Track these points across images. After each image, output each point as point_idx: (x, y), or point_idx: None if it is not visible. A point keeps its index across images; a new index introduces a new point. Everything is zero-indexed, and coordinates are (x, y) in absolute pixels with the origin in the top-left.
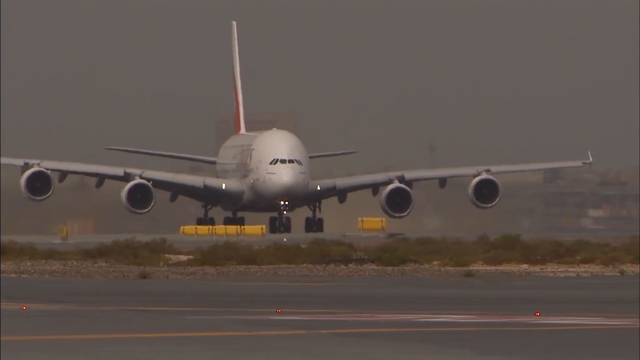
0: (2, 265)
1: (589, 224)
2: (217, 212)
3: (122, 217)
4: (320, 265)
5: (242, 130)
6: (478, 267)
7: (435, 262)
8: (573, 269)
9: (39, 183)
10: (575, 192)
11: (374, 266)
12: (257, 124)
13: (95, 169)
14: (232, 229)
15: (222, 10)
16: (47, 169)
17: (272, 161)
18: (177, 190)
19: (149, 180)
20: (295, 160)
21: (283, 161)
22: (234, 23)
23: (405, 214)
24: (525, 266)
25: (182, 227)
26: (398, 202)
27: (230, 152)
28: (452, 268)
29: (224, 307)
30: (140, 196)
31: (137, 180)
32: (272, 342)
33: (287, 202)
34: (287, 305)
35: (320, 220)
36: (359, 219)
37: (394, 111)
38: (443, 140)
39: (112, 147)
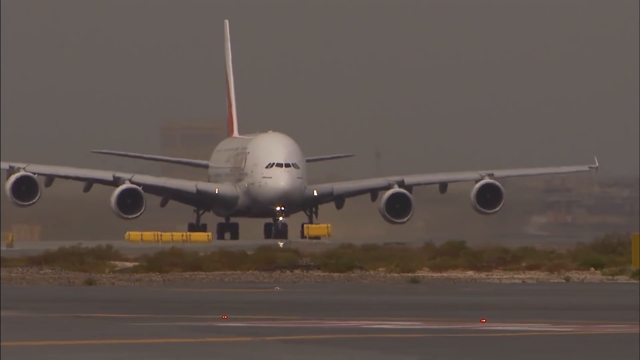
0: None
1: (533, 230)
2: (209, 218)
3: (70, 222)
4: (266, 272)
5: (236, 133)
6: (424, 273)
7: (380, 269)
8: (519, 276)
9: (25, 187)
10: (520, 199)
11: (319, 272)
12: (195, 131)
13: (83, 173)
14: (178, 235)
15: (214, 10)
16: (34, 173)
17: (268, 165)
18: (168, 195)
19: (139, 184)
20: (292, 164)
21: (279, 165)
22: (227, 22)
23: (405, 220)
24: (470, 273)
25: (127, 233)
26: (398, 207)
27: (224, 155)
28: (398, 274)
29: (170, 314)
30: (130, 201)
31: (127, 185)
32: (218, 348)
33: (283, 208)
34: (232, 311)
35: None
36: (305, 225)
37: (393, 115)
38: (444, 145)
39: (99, 151)
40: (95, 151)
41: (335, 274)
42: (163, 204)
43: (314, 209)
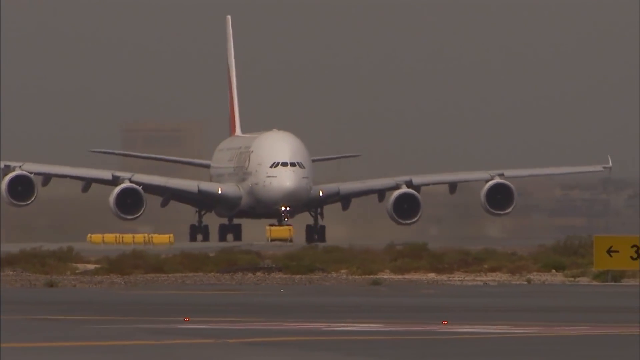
0: None
1: (495, 232)
2: (212, 220)
3: (32, 224)
4: (227, 274)
5: (238, 131)
6: (385, 275)
7: (342, 271)
8: (480, 278)
9: (21, 187)
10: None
11: (281, 274)
12: (163, 133)
13: (81, 172)
14: (140, 237)
15: (215, 6)
16: (30, 172)
17: (273, 164)
18: (169, 195)
19: (139, 184)
20: (297, 163)
21: (284, 164)
22: (229, 18)
23: (413, 220)
24: (432, 275)
25: (89, 235)
26: (406, 208)
27: (226, 154)
28: (360, 276)
29: (132, 316)
30: (130, 201)
31: (127, 184)
32: (180, 351)
33: (288, 208)
34: (194, 313)
35: (323, 228)
36: (267, 227)
37: (400, 114)
38: (452, 144)
39: (98, 150)
40: (93, 150)
41: (297, 276)
42: (164, 204)
43: (319, 210)
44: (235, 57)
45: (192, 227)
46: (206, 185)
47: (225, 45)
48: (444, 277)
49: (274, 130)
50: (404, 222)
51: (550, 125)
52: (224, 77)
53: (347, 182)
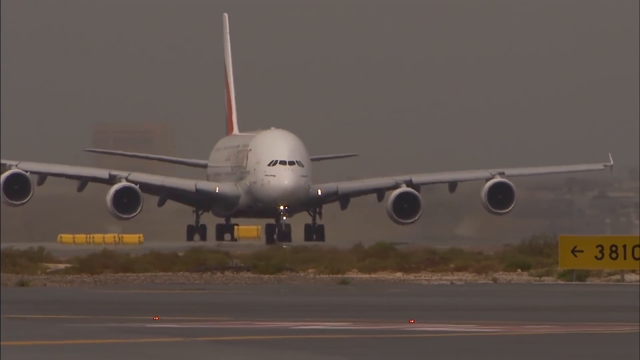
0: None
1: (462, 232)
2: (209, 219)
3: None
4: (196, 273)
5: (235, 130)
6: (353, 275)
7: (310, 270)
8: (447, 277)
9: (17, 186)
10: (450, 201)
11: (250, 274)
12: (132, 134)
13: (77, 171)
14: (111, 237)
15: (212, 4)
16: (26, 171)
17: (271, 163)
18: (166, 194)
19: (135, 183)
20: (296, 161)
21: (283, 162)
22: (226, 15)
23: (413, 220)
24: (399, 274)
25: (59, 235)
26: (405, 207)
27: (224, 154)
28: (327, 276)
29: (102, 315)
30: (126, 200)
31: (124, 183)
32: (150, 349)
33: (286, 207)
34: (164, 312)
35: (321, 228)
36: (235, 226)
37: (398, 113)
38: (452, 143)
39: (93, 150)
40: (88, 150)
41: (266, 276)
42: (160, 203)
43: (317, 209)
44: (232, 56)
45: (190, 227)
46: (204, 184)
47: (222, 43)
48: (411, 276)
49: (272, 128)
50: (403, 221)
51: (550, 123)
52: (221, 76)
53: (346, 181)
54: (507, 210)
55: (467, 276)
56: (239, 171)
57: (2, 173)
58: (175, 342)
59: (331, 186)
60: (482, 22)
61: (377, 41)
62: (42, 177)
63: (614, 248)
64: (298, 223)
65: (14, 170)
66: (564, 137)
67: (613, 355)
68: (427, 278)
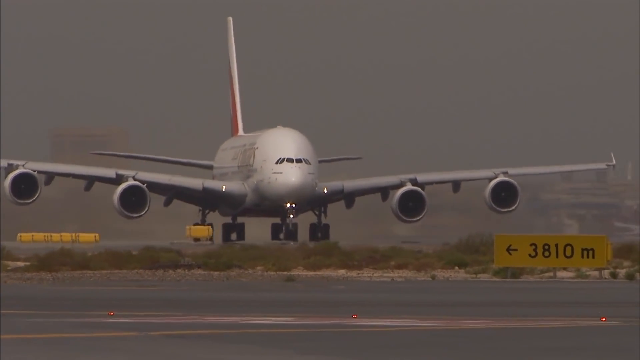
0: None
1: (402, 231)
2: (215, 219)
3: None
4: (150, 271)
5: (241, 132)
6: (299, 272)
7: (258, 268)
8: (388, 274)
9: (24, 185)
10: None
11: (201, 271)
12: (88, 138)
13: (84, 170)
14: (68, 236)
15: (215, 8)
16: (34, 170)
17: (278, 160)
18: (173, 193)
19: (142, 182)
20: (304, 159)
21: (290, 160)
22: (230, 19)
23: (418, 218)
24: (342, 271)
25: (19, 235)
26: (411, 206)
27: (230, 153)
28: (274, 273)
29: (60, 310)
30: (134, 199)
31: (131, 182)
32: (105, 343)
33: (294, 205)
34: (119, 308)
35: (327, 227)
36: (187, 227)
37: (402, 114)
38: (455, 144)
39: (100, 152)
40: (95, 152)
41: (215, 273)
42: (167, 203)
43: (323, 209)
44: (237, 58)
45: (196, 225)
46: (211, 183)
47: (226, 46)
48: (354, 273)
49: (279, 127)
50: (409, 219)
51: (553, 124)
52: (225, 79)
53: (352, 179)
54: (512, 208)
55: (407, 273)
56: (246, 170)
57: (10, 173)
58: (129, 336)
59: (337, 184)
60: (483, 25)
61: (380, 43)
62: (50, 177)
63: (546, 247)
64: (303, 222)
65: (21, 169)
66: (565, 137)
67: (546, 349)
68: (369, 275)
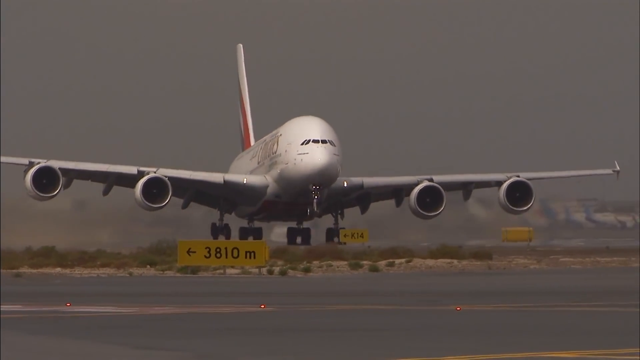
0: None
1: (105, 238)
2: (232, 223)
3: None
4: None
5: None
6: (25, 270)
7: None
8: (95, 271)
9: (46, 180)
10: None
11: None
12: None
13: (106, 167)
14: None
15: (227, 34)
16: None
17: (304, 142)
18: (192, 193)
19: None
20: (329, 140)
21: (316, 141)
22: (240, 46)
23: (437, 213)
24: (58, 269)
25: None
26: (428, 202)
27: (246, 158)
28: (5, 270)
29: None
30: (155, 191)
31: (152, 175)
32: None
33: (319, 187)
34: None
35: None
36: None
37: (411, 118)
38: (466, 147)
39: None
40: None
41: None
42: (185, 205)
43: (339, 212)
44: (248, 83)
45: (213, 225)
46: (232, 176)
47: (235, 72)
48: (67, 270)
49: (302, 116)
50: (428, 214)
51: (560, 130)
52: (234, 102)
53: (371, 177)
54: (526, 207)
55: (110, 271)
56: (268, 160)
57: (31, 168)
58: None
59: (357, 180)
60: (494, 29)
61: (388, 56)
62: (69, 180)
63: (218, 249)
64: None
65: (42, 164)
66: (573, 142)
67: (212, 330)
68: (79, 272)
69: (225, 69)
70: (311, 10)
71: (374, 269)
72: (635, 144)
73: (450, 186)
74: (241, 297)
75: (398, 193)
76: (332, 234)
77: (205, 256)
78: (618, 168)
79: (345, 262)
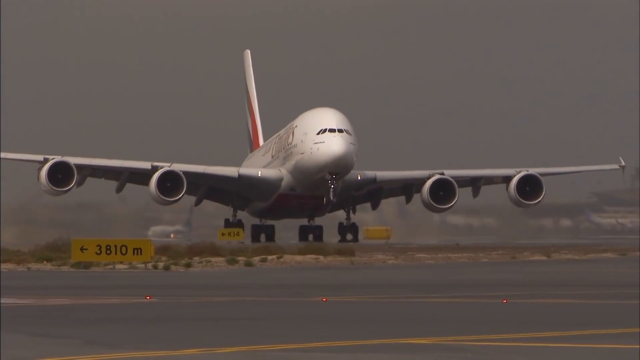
0: None
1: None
2: (245, 221)
3: None
4: None
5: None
6: None
7: None
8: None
9: (61, 174)
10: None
11: None
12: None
13: (120, 163)
14: None
15: (234, 40)
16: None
17: (320, 131)
18: (205, 189)
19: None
20: (345, 129)
21: (332, 130)
22: (248, 51)
23: (449, 205)
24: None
25: None
26: (441, 195)
27: (259, 153)
28: None
29: None
30: (170, 184)
31: (166, 168)
32: None
33: (335, 176)
34: None
35: (355, 227)
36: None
37: (417, 114)
38: (472, 143)
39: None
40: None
41: None
42: (198, 202)
43: (351, 208)
44: (256, 87)
45: (227, 221)
46: (246, 170)
47: (243, 77)
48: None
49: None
50: (440, 207)
51: (565, 126)
52: (241, 107)
53: (383, 171)
54: (537, 201)
55: (10, 266)
56: (283, 152)
57: (46, 163)
58: None
59: (370, 173)
60: (499, 25)
61: (396, 59)
62: (82, 178)
63: (109, 247)
64: (332, 222)
65: (58, 159)
66: (578, 138)
67: (104, 319)
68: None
69: (234, 75)
70: (321, 8)
71: (249, 264)
72: (635, 142)
73: (460, 182)
74: (128, 289)
75: (408, 189)
76: (343, 229)
77: (97, 253)
78: (623, 163)
79: (223, 259)
